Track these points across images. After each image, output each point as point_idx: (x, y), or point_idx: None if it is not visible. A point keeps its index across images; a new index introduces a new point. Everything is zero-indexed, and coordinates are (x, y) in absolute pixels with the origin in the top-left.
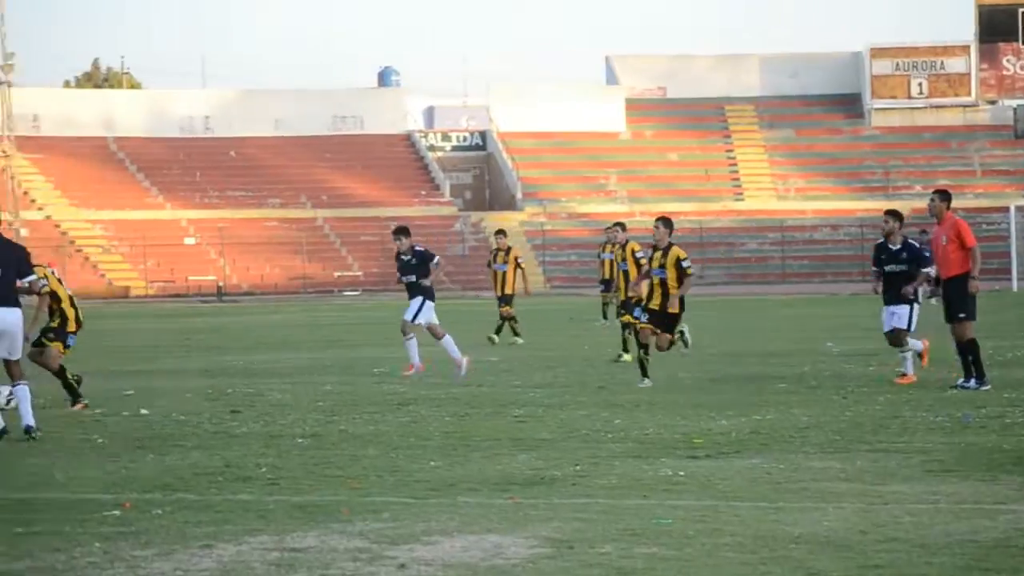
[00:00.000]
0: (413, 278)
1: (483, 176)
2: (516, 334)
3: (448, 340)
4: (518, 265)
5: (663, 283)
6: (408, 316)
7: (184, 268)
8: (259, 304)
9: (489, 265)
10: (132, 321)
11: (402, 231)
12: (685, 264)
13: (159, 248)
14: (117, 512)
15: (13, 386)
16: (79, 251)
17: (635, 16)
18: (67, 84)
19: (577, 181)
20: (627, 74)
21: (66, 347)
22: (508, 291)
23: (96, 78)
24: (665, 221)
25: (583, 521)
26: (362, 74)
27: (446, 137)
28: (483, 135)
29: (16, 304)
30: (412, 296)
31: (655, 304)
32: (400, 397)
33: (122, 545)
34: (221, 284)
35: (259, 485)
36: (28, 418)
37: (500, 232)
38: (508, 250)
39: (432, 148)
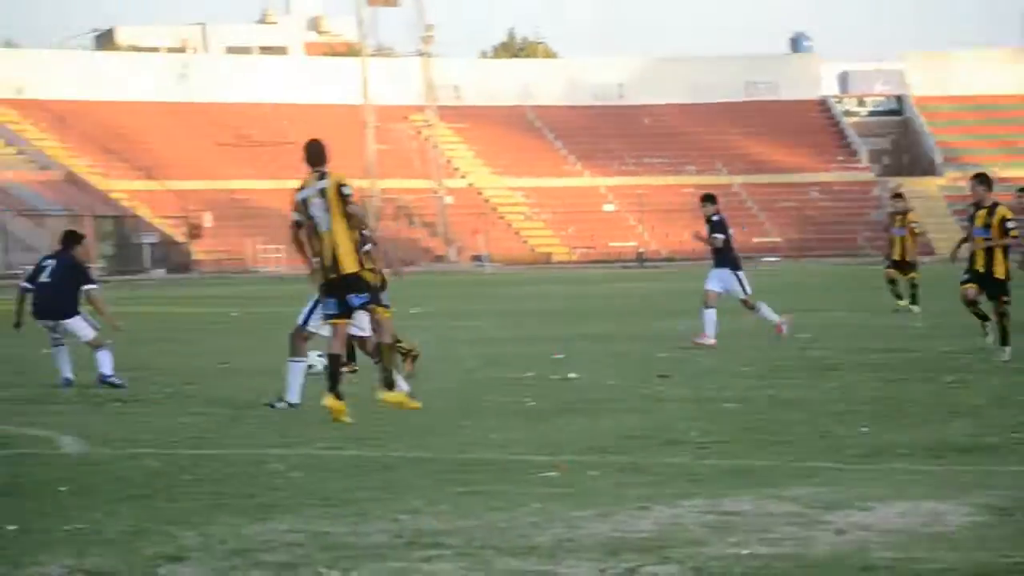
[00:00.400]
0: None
1: (900, 141)
2: (899, 297)
3: (709, 314)
4: (913, 232)
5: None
6: (743, 296)
7: (604, 234)
8: (679, 270)
9: (887, 229)
10: (556, 287)
11: (707, 198)
12: (1010, 226)
13: (579, 215)
14: (552, 473)
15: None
16: (501, 218)
17: None
18: (483, 55)
19: (998, 145)
20: None
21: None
22: (908, 258)
23: (512, 48)
24: (980, 178)
25: None
26: (773, 40)
27: (861, 103)
28: (899, 99)
29: None
30: (718, 265)
31: (979, 266)
32: (826, 363)
33: (559, 505)
34: (642, 250)
35: (690, 449)
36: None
37: (897, 195)
38: (905, 214)
39: (847, 113)
